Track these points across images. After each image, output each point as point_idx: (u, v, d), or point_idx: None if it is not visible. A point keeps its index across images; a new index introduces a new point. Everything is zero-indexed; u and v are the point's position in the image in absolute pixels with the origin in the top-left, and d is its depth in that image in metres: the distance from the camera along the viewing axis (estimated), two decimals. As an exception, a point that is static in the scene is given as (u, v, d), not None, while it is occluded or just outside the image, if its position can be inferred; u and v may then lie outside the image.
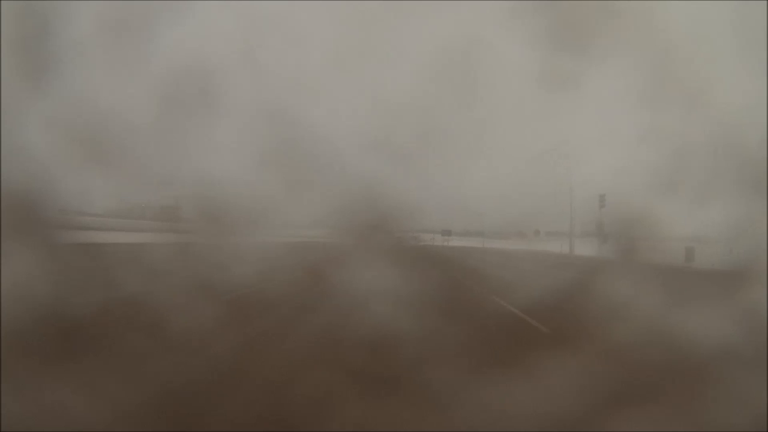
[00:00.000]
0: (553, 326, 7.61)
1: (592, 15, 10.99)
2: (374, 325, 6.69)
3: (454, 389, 4.47)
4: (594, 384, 4.56)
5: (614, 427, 3.83)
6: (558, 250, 36.20)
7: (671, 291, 11.42)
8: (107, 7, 11.69)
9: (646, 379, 4.98)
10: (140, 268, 13.19)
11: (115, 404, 3.93)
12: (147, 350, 5.48)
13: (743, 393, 4.57)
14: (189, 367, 5.06)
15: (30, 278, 7.81)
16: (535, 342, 6.59)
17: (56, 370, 4.61)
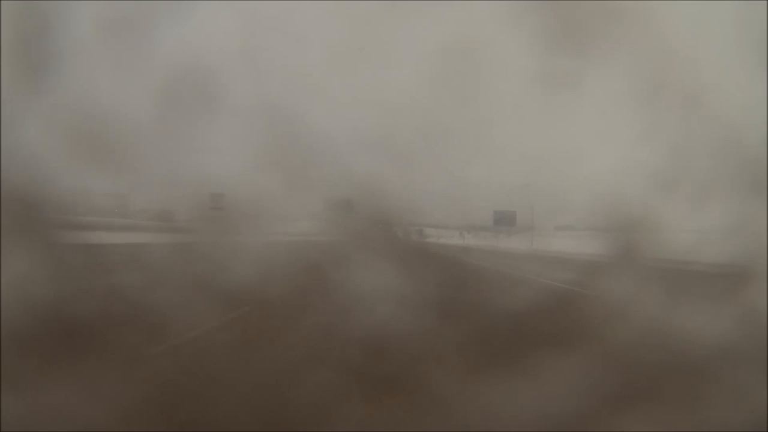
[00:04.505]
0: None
1: (592, 15, 10.99)
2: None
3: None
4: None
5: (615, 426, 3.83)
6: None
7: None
8: (107, 6, 11.70)
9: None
10: (142, 269, 13.19)
11: (115, 404, 3.93)
12: (148, 351, 5.48)
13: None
14: (190, 367, 5.07)
15: (30, 278, 7.81)
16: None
17: (56, 370, 4.61)
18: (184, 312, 7.02)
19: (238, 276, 10.80)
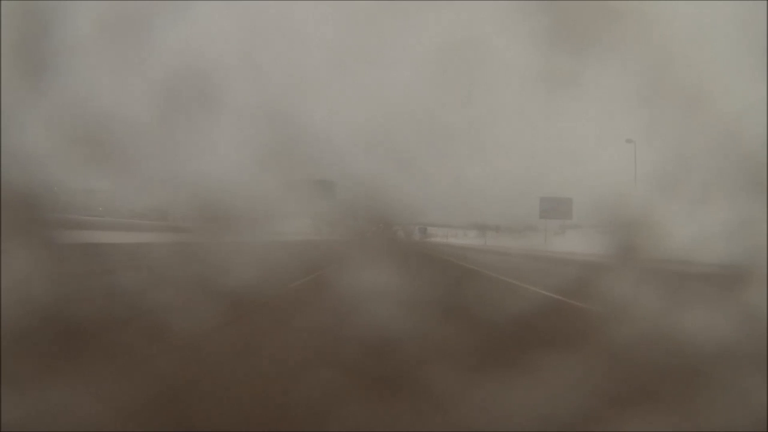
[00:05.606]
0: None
1: (592, 15, 11.00)
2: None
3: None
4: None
5: (614, 426, 3.84)
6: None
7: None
8: (107, 7, 11.70)
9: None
10: (142, 269, 13.20)
11: (115, 404, 3.93)
12: (149, 351, 5.48)
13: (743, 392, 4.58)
14: (190, 368, 5.07)
15: (30, 278, 7.81)
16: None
17: (56, 370, 4.62)
18: (184, 312, 7.03)
19: (238, 276, 10.81)
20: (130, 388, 4.26)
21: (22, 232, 8.65)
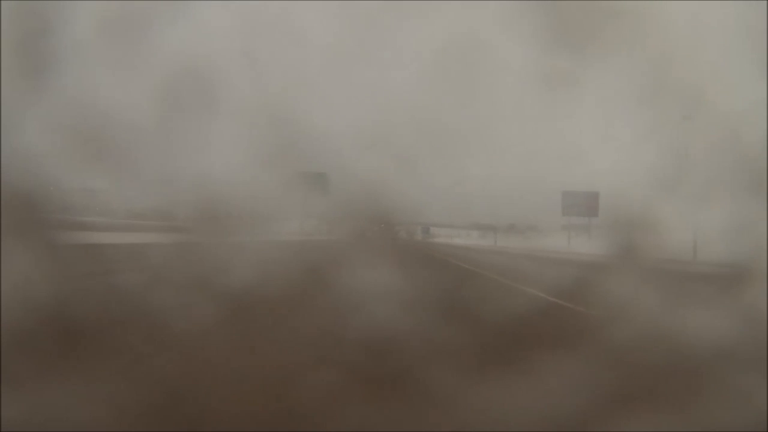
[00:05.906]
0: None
1: (592, 15, 11.00)
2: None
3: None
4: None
5: (614, 426, 3.83)
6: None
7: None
8: (107, 7, 11.71)
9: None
10: (142, 269, 13.19)
11: (115, 404, 3.93)
12: (148, 351, 5.48)
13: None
14: (190, 367, 5.07)
15: (30, 278, 7.81)
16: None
17: (56, 370, 4.61)
18: (183, 312, 7.02)
19: (237, 276, 10.79)
20: (130, 388, 4.26)
21: (22, 232, 8.65)
